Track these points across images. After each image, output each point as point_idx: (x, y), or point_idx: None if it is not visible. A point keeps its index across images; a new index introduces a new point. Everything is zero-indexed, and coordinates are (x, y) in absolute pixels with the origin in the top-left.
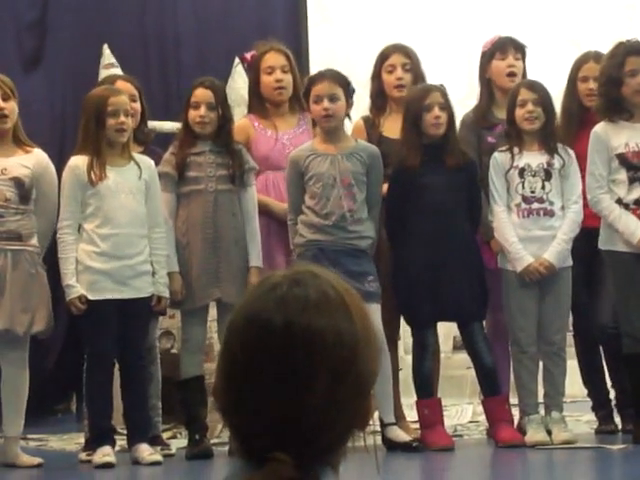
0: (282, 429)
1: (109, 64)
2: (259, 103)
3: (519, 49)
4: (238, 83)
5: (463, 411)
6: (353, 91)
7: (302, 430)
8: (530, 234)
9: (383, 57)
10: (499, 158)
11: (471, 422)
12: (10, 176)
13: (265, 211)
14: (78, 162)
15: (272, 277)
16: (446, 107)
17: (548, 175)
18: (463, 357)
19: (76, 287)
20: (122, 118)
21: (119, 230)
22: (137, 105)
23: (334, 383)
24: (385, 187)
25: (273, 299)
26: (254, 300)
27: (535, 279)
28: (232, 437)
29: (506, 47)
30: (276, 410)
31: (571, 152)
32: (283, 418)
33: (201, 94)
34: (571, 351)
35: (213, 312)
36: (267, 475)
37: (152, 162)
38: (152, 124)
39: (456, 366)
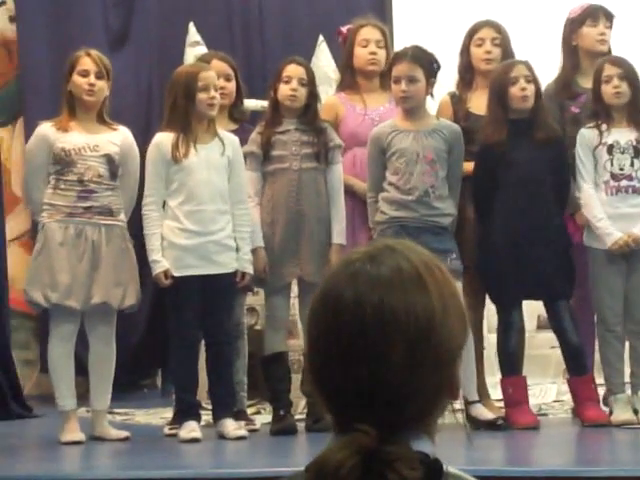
0: (363, 402)
1: (195, 42)
2: (351, 77)
3: (609, 18)
4: (322, 61)
5: (547, 390)
6: (438, 69)
7: (383, 401)
8: (618, 211)
9: (472, 31)
10: (587, 134)
11: (555, 401)
12: (102, 153)
13: (350, 191)
14: (163, 139)
15: (351, 254)
16: (532, 80)
17: (637, 152)
18: (547, 336)
19: (161, 262)
20: (212, 93)
21: (202, 206)
22: (232, 84)
23: (411, 355)
24: (470, 165)
25: (345, 277)
26: (330, 277)
27: (624, 253)
28: (325, 410)
29: (598, 14)
30: (356, 384)
31: None
32: (363, 391)
33: (293, 69)
34: None
35: (296, 289)
36: (346, 444)
37: (236, 139)
38: None
39: (540, 345)
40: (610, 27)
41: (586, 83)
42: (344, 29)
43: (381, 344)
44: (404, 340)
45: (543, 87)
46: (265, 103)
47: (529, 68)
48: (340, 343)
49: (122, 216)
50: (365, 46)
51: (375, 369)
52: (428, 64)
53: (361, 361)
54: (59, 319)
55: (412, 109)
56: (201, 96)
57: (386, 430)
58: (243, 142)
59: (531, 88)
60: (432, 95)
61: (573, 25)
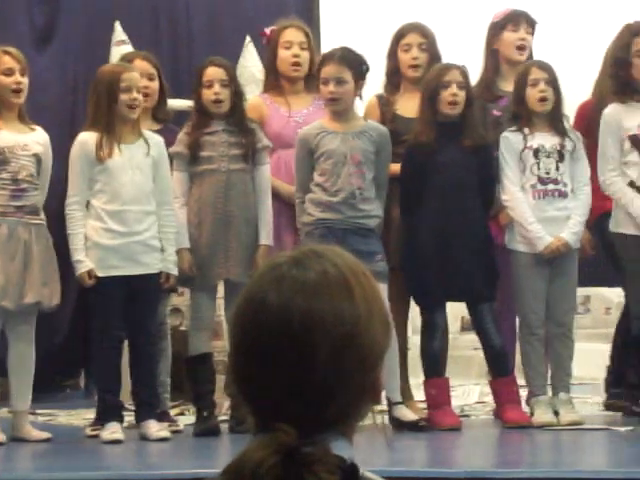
0: (285, 403)
1: (120, 41)
2: (275, 80)
3: (531, 24)
4: (249, 61)
5: (470, 392)
6: (367, 70)
7: (305, 403)
8: (545, 215)
9: (399, 36)
10: (511, 138)
11: (478, 403)
12: (32, 152)
13: (274, 193)
14: (86, 138)
15: (277, 258)
16: (465, 86)
17: (561, 156)
18: (471, 338)
19: (85, 262)
20: (134, 94)
21: (126, 207)
22: (155, 84)
23: (335, 358)
24: (397, 166)
25: (270, 280)
26: (255, 280)
27: (555, 257)
28: (248, 411)
29: (519, 20)
30: (278, 386)
31: (579, 134)
32: (285, 393)
33: (213, 72)
34: (579, 333)
35: (222, 289)
36: (266, 443)
37: (161, 139)
38: None
39: (463, 347)
40: (531, 33)
41: (507, 86)
42: (268, 30)
43: (305, 348)
44: (328, 344)
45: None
46: (191, 103)
47: (463, 74)
48: (264, 346)
49: (44, 215)
50: (288, 48)
51: (298, 372)
52: (357, 65)
53: (284, 364)
54: None
55: (340, 111)
56: (123, 97)
57: (306, 431)
58: (167, 142)
59: (462, 94)
60: (361, 97)
61: (495, 29)
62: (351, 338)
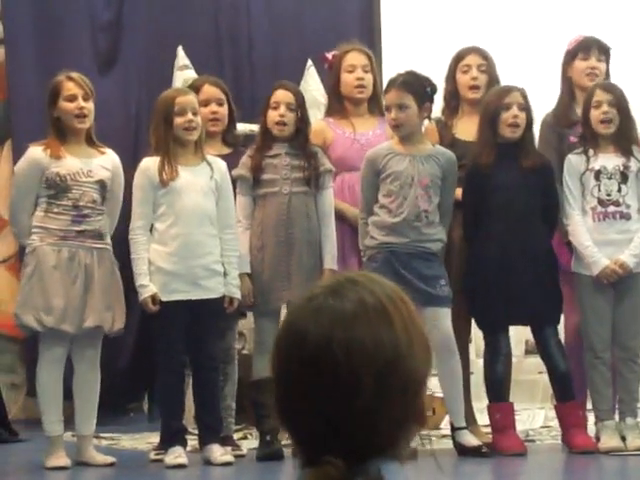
0: (330, 434)
1: (183, 66)
2: (338, 103)
3: (603, 51)
4: (311, 85)
5: (535, 416)
6: (433, 92)
7: (350, 433)
8: (606, 237)
9: (459, 58)
10: (574, 160)
11: (543, 427)
12: (96, 179)
13: (339, 216)
14: (149, 163)
15: (313, 288)
16: (525, 108)
17: (624, 178)
18: (535, 361)
19: (149, 286)
20: (190, 116)
21: (190, 229)
22: (224, 109)
23: (377, 387)
24: (459, 190)
25: (308, 311)
26: (293, 312)
27: (612, 280)
28: (292, 443)
29: (590, 48)
30: (322, 417)
31: None
32: (330, 424)
33: (282, 95)
34: None
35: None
36: (315, 477)
37: (224, 163)
38: None
39: (528, 370)
40: (604, 60)
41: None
42: (329, 55)
43: (348, 378)
44: (370, 373)
45: (542, 116)
46: (254, 127)
47: (524, 96)
48: (305, 378)
49: (109, 239)
50: (352, 72)
51: (342, 402)
52: (419, 89)
53: (327, 395)
54: (50, 343)
55: (405, 136)
56: (178, 120)
57: (355, 460)
58: (237, 166)
59: (523, 116)
60: (430, 119)
61: (567, 57)
62: (392, 365)
